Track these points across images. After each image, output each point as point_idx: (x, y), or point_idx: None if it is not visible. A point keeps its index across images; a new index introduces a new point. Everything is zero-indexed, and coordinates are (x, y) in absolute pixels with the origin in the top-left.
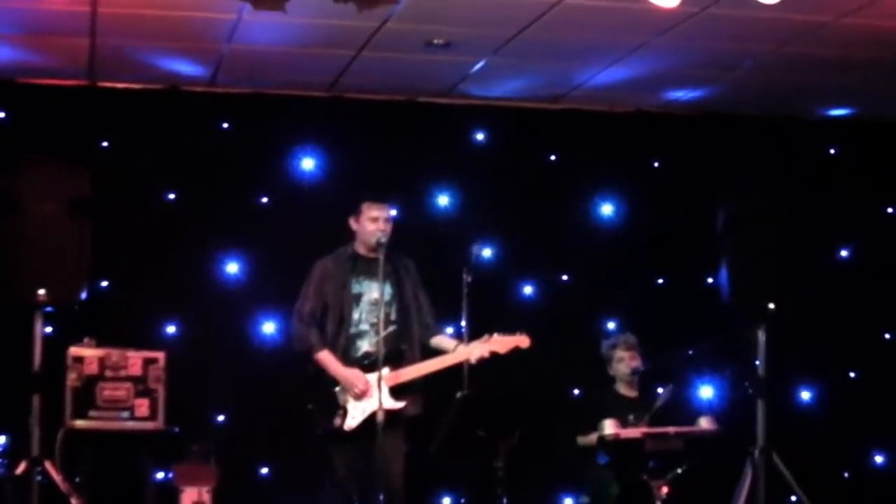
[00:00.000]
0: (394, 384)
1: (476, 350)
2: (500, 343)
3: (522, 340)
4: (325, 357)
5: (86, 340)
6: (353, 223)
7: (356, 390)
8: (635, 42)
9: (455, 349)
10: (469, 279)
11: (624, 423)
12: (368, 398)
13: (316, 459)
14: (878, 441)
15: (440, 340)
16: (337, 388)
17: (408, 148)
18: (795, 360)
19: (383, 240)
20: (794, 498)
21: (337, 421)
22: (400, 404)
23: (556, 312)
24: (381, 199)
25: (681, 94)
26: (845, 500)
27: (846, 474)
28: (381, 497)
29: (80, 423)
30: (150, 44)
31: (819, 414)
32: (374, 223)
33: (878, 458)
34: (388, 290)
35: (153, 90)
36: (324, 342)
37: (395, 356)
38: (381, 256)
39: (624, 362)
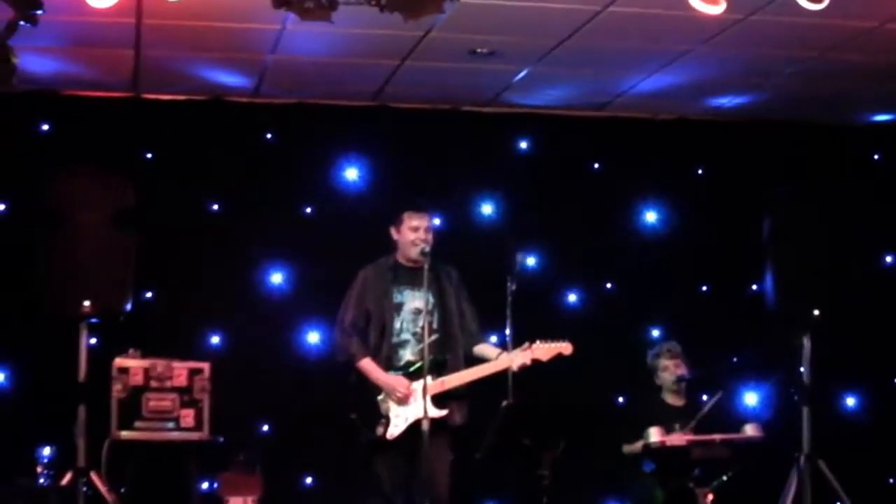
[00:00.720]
0: (437, 392)
1: (518, 358)
2: (543, 350)
3: (565, 348)
4: (367, 365)
5: (131, 351)
6: (394, 233)
7: (398, 394)
8: (679, 50)
9: (498, 357)
10: (513, 287)
11: (669, 432)
12: (410, 404)
13: (360, 469)
14: None
15: (483, 349)
16: (379, 397)
17: (452, 157)
18: (840, 366)
19: (426, 249)
20: None
21: (380, 430)
22: (443, 412)
23: (601, 320)
24: (422, 208)
25: (724, 101)
26: None
27: (891, 480)
28: None
29: (125, 434)
30: (194, 55)
31: (864, 420)
32: (414, 233)
33: None
34: (430, 298)
35: (197, 101)
36: (366, 351)
37: (437, 365)
38: (426, 265)
39: (669, 370)
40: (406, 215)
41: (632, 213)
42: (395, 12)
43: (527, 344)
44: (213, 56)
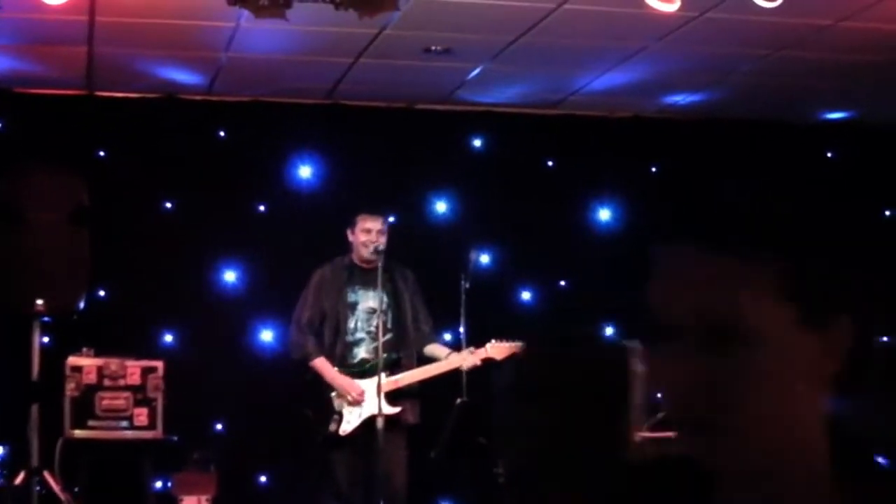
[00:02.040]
0: (390, 390)
1: (469, 359)
2: (497, 350)
3: (519, 347)
4: (321, 364)
5: (84, 350)
6: (349, 234)
7: (350, 398)
8: (634, 47)
9: (447, 357)
10: (467, 285)
11: None
12: (362, 406)
13: (315, 466)
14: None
15: (433, 349)
16: (332, 394)
17: (406, 154)
18: None
19: (380, 248)
20: None
21: (333, 426)
22: (397, 409)
23: (555, 317)
24: (375, 210)
25: (679, 99)
26: None
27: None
28: (383, 503)
29: (79, 433)
30: (147, 52)
31: None
32: (366, 234)
33: None
34: (385, 298)
35: (151, 99)
36: (320, 349)
37: (391, 363)
38: (380, 264)
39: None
40: (360, 217)
41: (586, 211)
42: (350, 10)
43: (472, 348)
44: (167, 53)
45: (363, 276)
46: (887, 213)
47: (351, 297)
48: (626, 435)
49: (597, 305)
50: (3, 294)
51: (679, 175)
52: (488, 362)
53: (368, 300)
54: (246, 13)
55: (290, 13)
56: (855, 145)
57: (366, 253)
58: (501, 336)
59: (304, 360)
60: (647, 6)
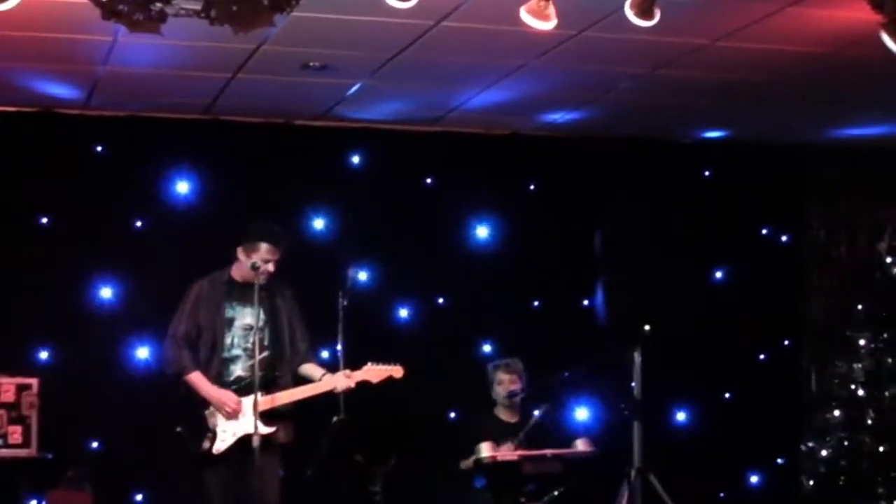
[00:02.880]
0: (266, 409)
1: (341, 382)
2: (374, 373)
3: (396, 370)
4: (196, 378)
5: None
6: (241, 253)
7: (227, 409)
8: (512, 65)
9: (321, 378)
10: (345, 303)
11: (501, 447)
12: (239, 419)
13: (191, 485)
14: (753, 461)
15: (308, 369)
16: (207, 411)
17: (284, 171)
18: (671, 381)
19: (263, 281)
20: None
21: (206, 444)
22: (271, 429)
23: (433, 336)
24: (280, 242)
25: (557, 117)
26: None
27: (722, 494)
28: None
29: None
30: (23, 65)
31: (695, 434)
32: (263, 264)
33: (754, 479)
34: (262, 315)
35: (27, 113)
36: (196, 364)
37: (268, 381)
38: (257, 283)
39: (503, 385)
40: (264, 246)
41: (464, 229)
42: (226, 25)
43: (348, 371)
44: (43, 67)
45: (241, 292)
46: (763, 231)
47: (228, 313)
48: None
49: (475, 323)
50: None
51: (557, 192)
52: (364, 385)
53: (245, 316)
54: (122, 28)
55: (166, 28)
56: (731, 164)
57: (254, 279)
58: (378, 356)
59: (179, 375)
60: (525, 24)
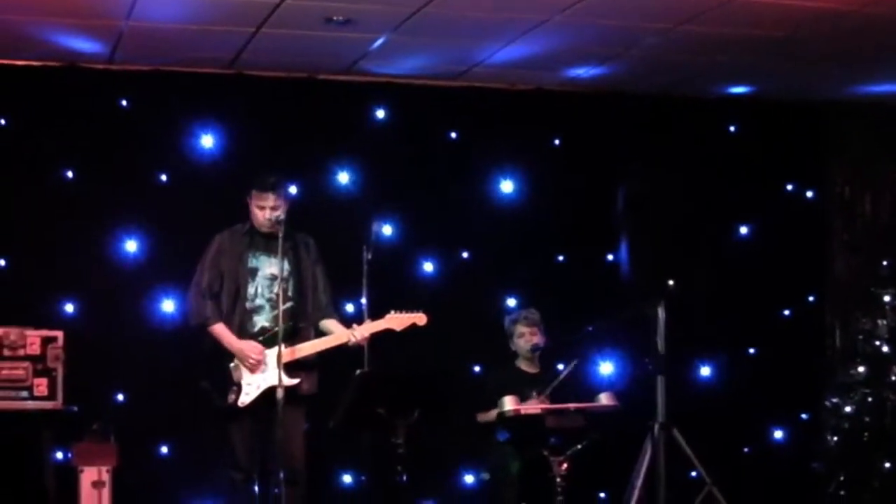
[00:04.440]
0: (288, 360)
1: (354, 337)
2: (397, 320)
3: (419, 318)
4: (220, 330)
5: None
6: (250, 204)
7: (251, 361)
8: (536, 19)
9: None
10: (369, 256)
11: (524, 399)
12: (262, 371)
13: (215, 437)
14: (776, 417)
15: (326, 324)
16: (231, 365)
17: (308, 125)
18: (695, 336)
19: (279, 217)
20: (693, 473)
21: (231, 397)
22: (295, 381)
23: (457, 289)
24: (266, 188)
25: (581, 72)
26: (745, 474)
27: (746, 449)
28: (282, 474)
29: None
30: (47, 20)
31: (718, 390)
32: (260, 211)
33: (777, 434)
34: (286, 266)
35: (51, 67)
36: (219, 315)
37: (291, 333)
38: (281, 233)
39: (524, 338)
40: (254, 193)
41: (488, 183)
42: None
43: (355, 325)
44: (67, 22)
45: (264, 243)
46: (788, 187)
47: (252, 263)
48: None
49: (499, 277)
50: None
51: (582, 148)
52: (385, 333)
53: (269, 266)
54: None
55: None
56: (756, 120)
57: (262, 225)
58: (402, 308)
59: (203, 326)
60: None
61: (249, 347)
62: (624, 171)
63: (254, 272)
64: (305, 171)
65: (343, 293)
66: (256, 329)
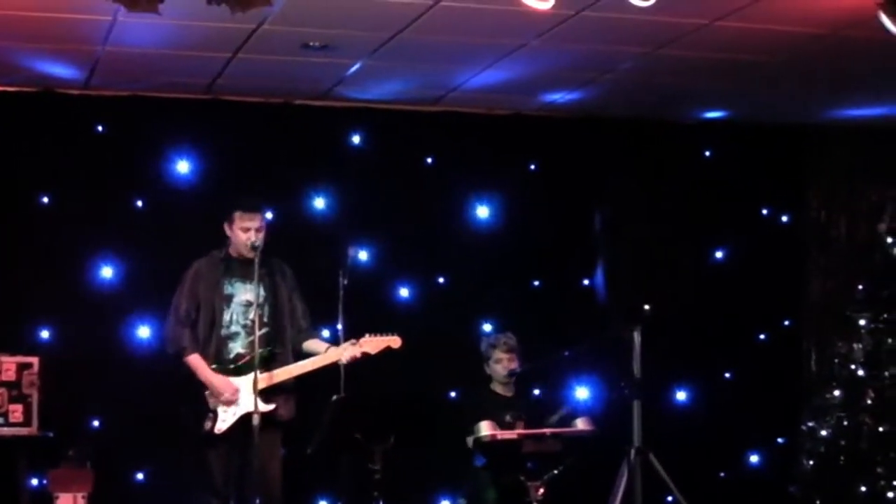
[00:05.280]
0: (265, 386)
1: (347, 351)
2: (372, 344)
3: (394, 341)
4: (196, 361)
5: None
6: (226, 229)
7: (223, 398)
8: (512, 44)
9: (326, 351)
10: (345, 282)
11: (500, 423)
12: (237, 405)
13: (192, 464)
14: (753, 441)
15: (312, 344)
16: (207, 391)
17: (284, 150)
18: (671, 361)
19: (257, 244)
20: (670, 498)
21: (207, 424)
22: (270, 406)
23: (433, 314)
24: (253, 208)
25: (558, 97)
26: (721, 499)
27: (722, 474)
28: (258, 500)
29: None
30: (23, 45)
31: (695, 414)
32: (245, 233)
33: (754, 458)
34: (261, 292)
35: (27, 93)
36: (196, 345)
37: (267, 358)
38: (256, 259)
39: (502, 364)
40: (237, 215)
41: (465, 208)
42: (223, 5)
43: (353, 341)
44: (43, 47)
45: (240, 269)
46: (763, 211)
47: (227, 290)
48: None
49: (475, 302)
50: None
51: (558, 172)
52: (365, 357)
53: (244, 293)
54: (122, 7)
55: (164, 8)
56: (731, 144)
57: (244, 249)
58: (378, 332)
59: (179, 355)
60: (524, 4)
61: (223, 385)
62: (600, 196)
63: (229, 299)
64: (282, 197)
65: (319, 319)
66: (232, 356)
